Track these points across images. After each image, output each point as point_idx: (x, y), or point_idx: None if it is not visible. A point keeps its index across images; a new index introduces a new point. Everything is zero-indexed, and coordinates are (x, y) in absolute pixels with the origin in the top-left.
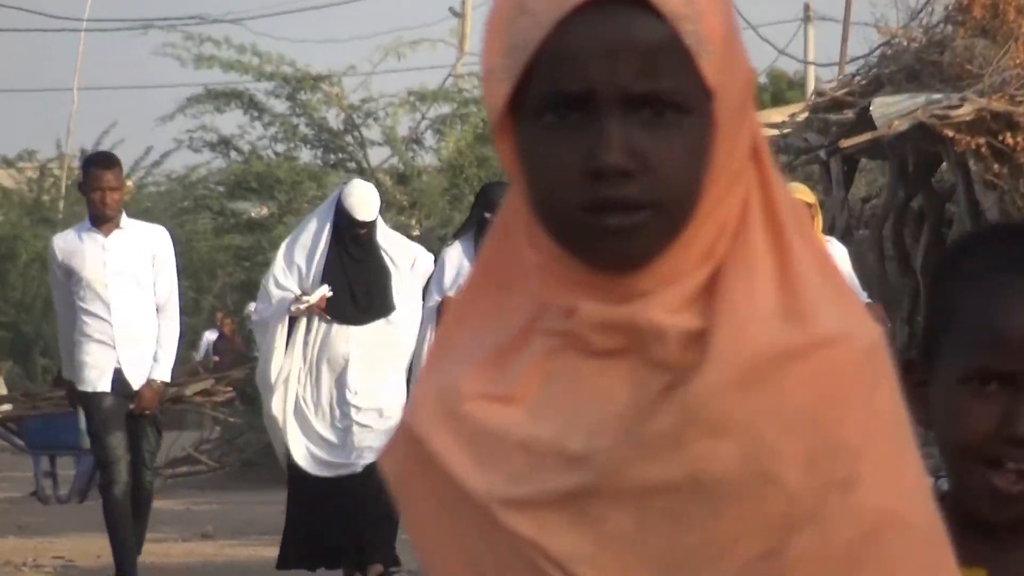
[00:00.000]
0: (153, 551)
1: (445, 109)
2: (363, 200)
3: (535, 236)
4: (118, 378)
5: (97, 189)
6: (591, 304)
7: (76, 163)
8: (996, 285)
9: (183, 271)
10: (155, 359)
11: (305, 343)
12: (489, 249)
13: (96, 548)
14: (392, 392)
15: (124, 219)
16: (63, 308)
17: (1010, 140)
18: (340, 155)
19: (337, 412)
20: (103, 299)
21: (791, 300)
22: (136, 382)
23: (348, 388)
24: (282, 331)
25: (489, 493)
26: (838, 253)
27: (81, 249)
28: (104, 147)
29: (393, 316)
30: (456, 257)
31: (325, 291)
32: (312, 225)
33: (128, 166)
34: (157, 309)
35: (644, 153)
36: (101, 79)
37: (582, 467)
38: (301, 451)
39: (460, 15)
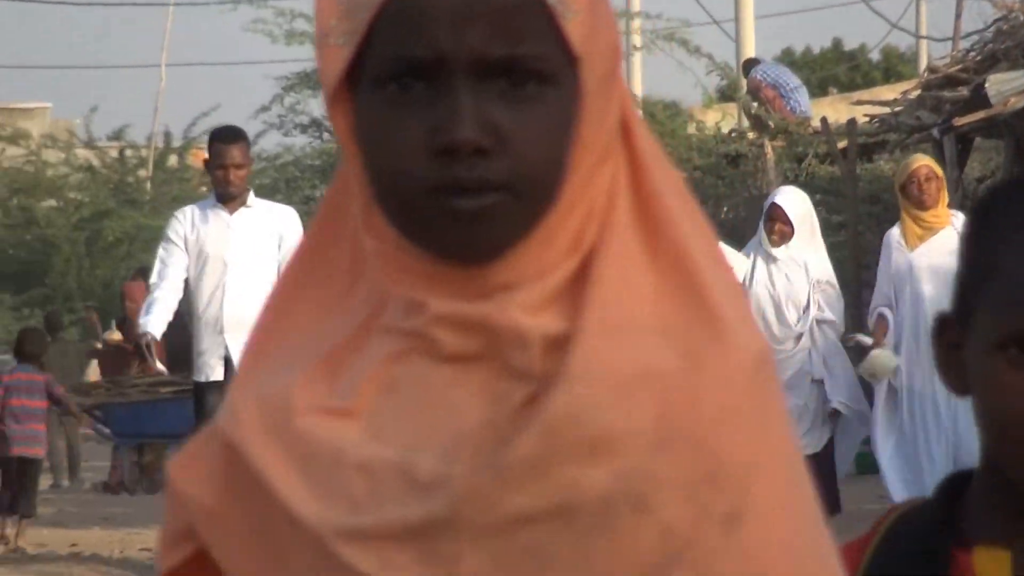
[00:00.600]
0: None
1: None
2: None
3: (373, 221)
4: (228, 366)
5: (220, 166)
6: (441, 300)
7: (161, 142)
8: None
9: None
10: None
11: None
12: (316, 232)
13: None
14: None
15: (251, 197)
16: (163, 280)
17: None
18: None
19: None
20: (219, 280)
21: (668, 300)
22: None
23: None
24: None
25: (324, 522)
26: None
27: (205, 226)
28: (197, 128)
29: None
30: None
31: None
32: None
33: None
34: None
35: (501, 128)
36: (190, 56)
37: (432, 495)
38: None
39: None
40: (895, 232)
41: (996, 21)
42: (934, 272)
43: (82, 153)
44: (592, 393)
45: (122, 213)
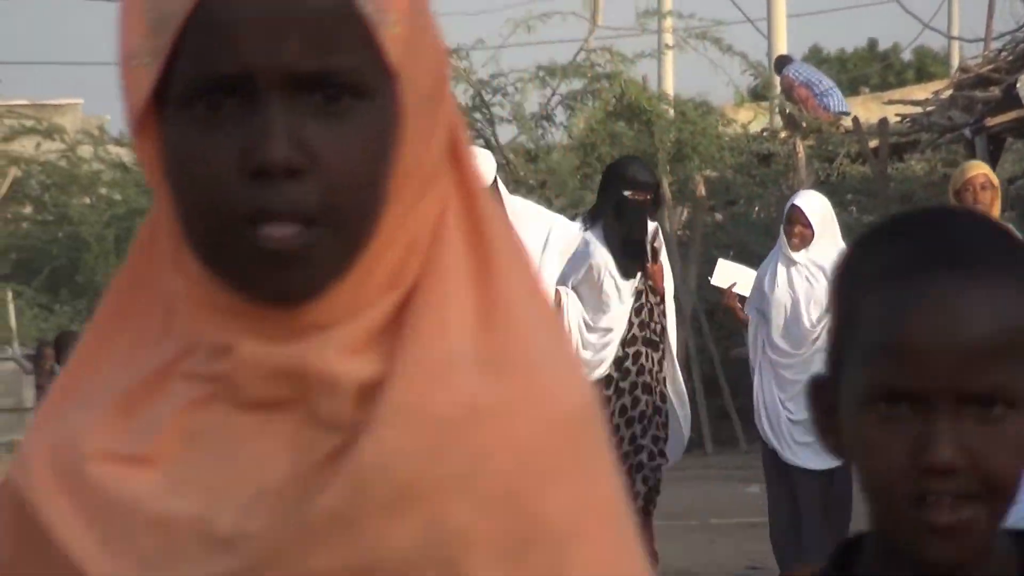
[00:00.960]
0: None
1: (576, 84)
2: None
3: (181, 256)
4: None
5: None
6: (248, 343)
7: None
8: (897, 287)
9: None
10: None
11: None
12: (127, 269)
13: None
14: None
15: None
16: None
17: None
18: (468, 132)
19: None
20: None
21: (492, 342)
22: None
23: None
24: None
25: None
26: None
27: None
28: None
29: None
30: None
31: None
32: None
33: None
34: None
35: (315, 147)
36: None
37: (231, 553)
38: None
39: None
40: None
41: None
42: None
43: (113, 150)
44: (403, 440)
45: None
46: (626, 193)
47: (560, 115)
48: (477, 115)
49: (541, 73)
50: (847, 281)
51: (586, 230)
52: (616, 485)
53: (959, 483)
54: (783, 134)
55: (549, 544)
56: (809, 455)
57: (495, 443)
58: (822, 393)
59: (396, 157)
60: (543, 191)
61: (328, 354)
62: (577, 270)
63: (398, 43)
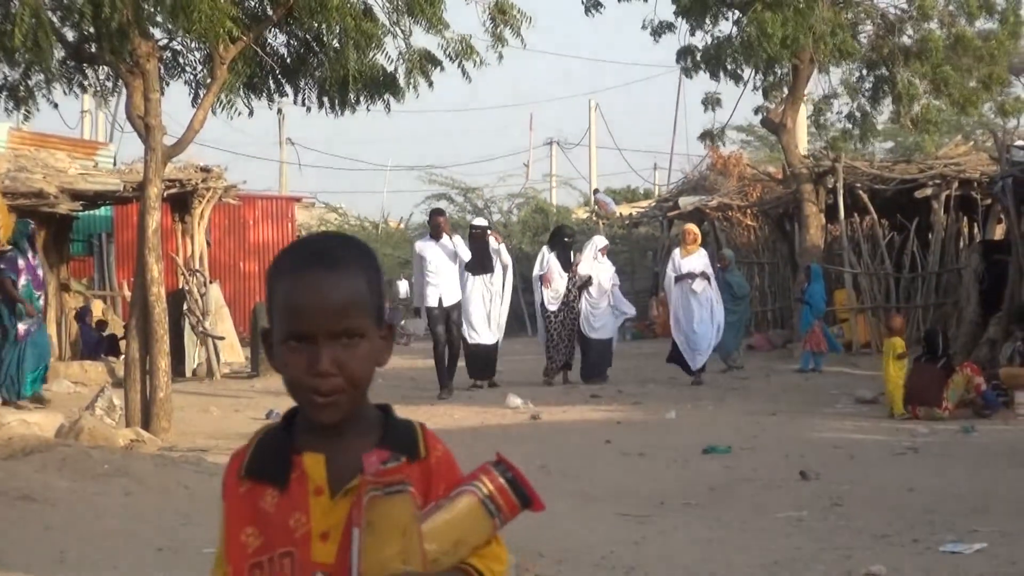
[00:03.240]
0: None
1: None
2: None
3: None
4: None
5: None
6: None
7: None
8: (294, 275)
9: None
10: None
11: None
12: None
13: None
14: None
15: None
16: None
17: None
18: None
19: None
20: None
21: None
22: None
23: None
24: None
25: None
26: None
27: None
28: None
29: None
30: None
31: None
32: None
33: None
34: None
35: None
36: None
37: None
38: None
39: None
40: (676, 250)
41: None
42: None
43: None
44: None
45: None
46: (565, 239)
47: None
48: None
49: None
50: (272, 273)
51: (549, 253)
52: None
53: (334, 381)
54: (594, 217)
55: None
56: (597, 332)
57: None
58: (267, 335)
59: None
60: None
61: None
62: (544, 267)
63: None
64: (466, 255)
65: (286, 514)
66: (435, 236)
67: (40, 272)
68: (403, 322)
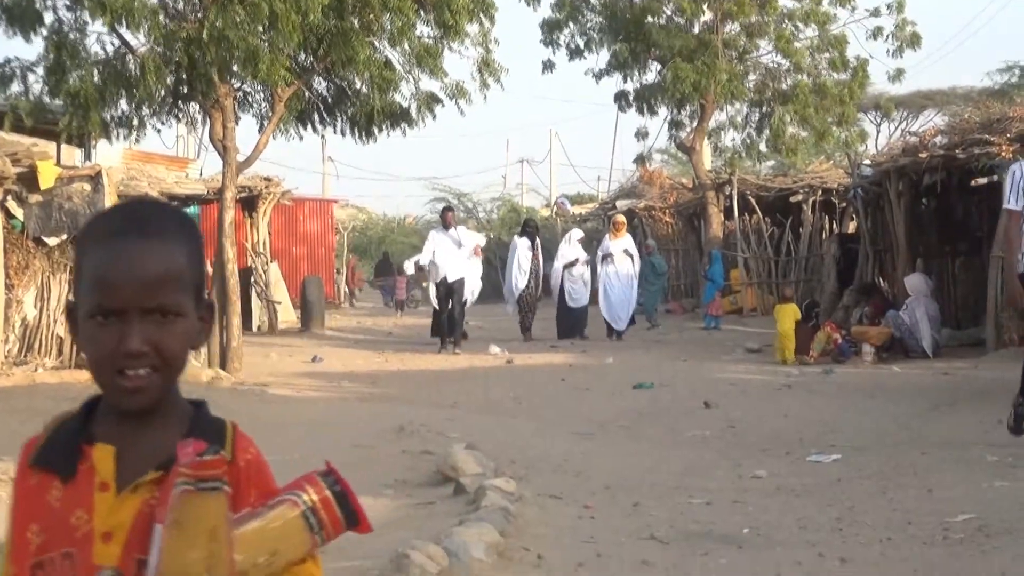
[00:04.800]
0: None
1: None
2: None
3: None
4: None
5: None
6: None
7: None
8: (104, 246)
9: None
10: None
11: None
12: None
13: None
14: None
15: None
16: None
17: None
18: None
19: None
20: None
21: None
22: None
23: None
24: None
25: None
26: None
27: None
28: None
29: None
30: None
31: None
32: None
33: None
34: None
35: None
36: None
37: None
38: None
39: None
40: (608, 235)
41: None
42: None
43: None
44: None
45: None
46: (528, 227)
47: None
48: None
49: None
50: (81, 240)
51: (519, 239)
52: None
53: (145, 361)
54: (554, 215)
55: None
56: (576, 302)
57: None
58: (72, 310)
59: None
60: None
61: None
62: (515, 251)
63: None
64: (469, 242)
65: (68, 510)
66: (445, 226)
67: None
68: (414, 291)
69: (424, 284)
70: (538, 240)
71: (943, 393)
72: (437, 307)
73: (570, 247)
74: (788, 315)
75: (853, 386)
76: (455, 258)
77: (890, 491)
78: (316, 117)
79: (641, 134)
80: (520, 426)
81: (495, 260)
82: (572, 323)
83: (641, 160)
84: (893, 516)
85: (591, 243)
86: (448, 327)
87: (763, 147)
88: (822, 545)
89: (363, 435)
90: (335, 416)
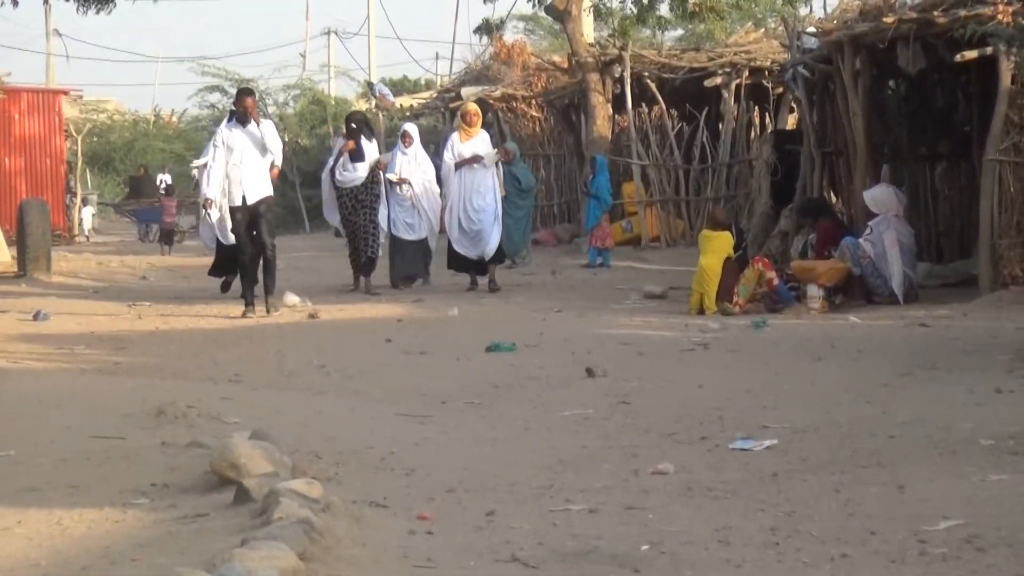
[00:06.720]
0: None
1: None
2: None
3: None
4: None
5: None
6: None
7: None
8: None
9: None
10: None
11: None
12: None
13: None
14: None
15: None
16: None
17: None
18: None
19: None
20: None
21: None
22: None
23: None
24: None
25: None
26: None
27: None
28: None
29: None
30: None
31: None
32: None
33: None
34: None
35: None
36: None
37: None
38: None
39: None
40: (455, 134)
41: None
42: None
43: None
44: None
45: None
46: (354, 124)
47: None
48: None
49: None
50: None
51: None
52: None
53: None
54: (373, 108)
55: None
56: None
57: None
58: None
59: None
60: None
61: None
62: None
63: None
64: (276, 145)
65: None
66: (241, 121)
67: None
68: (177, 218)
69: (205, 206)
70: (375, 141)
71: (919, 352)
72: (225, 240)
73: (401, 157)
74: (719, 247)
75: (794, 344)
76: (257, 167)
77: (845, 489)
78: None
79: None
80: (328, 406)
81: (292, 174)
82: (406, 262)
83: (490, 29)
84: (849, 524)
85: (428, 147)
86: (249, 274)
87: (665, 9)
88: (750, 566)
89: (106, 421)
90: (66, 395)
